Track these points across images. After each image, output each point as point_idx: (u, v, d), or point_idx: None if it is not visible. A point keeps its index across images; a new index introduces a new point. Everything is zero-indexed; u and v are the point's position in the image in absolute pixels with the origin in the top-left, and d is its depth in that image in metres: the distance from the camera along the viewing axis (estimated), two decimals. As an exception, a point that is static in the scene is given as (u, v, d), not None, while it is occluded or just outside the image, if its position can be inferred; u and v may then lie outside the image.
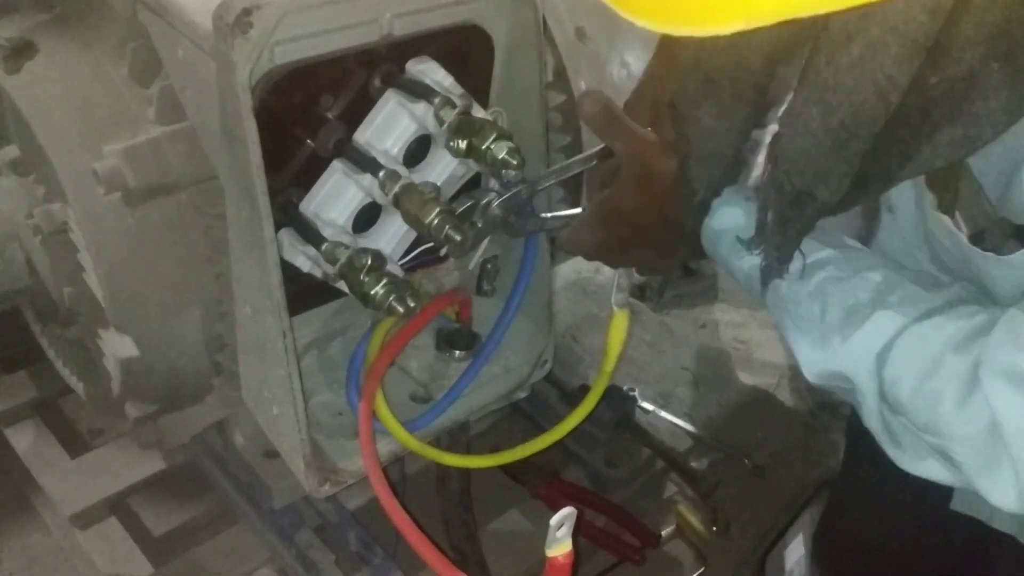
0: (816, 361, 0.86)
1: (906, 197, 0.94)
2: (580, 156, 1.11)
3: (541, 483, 1.61)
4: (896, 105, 0.72)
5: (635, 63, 1.56)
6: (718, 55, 0.87)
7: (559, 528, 0.85)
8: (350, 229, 1.06)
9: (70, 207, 1.16)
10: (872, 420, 0.83)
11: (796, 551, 1.80)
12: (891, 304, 0.82)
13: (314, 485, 1.07)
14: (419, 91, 1.02)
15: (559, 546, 0.86)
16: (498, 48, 1.11)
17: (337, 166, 1.04)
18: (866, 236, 1.06)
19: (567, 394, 1.71)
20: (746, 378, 2.20)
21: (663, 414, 1.89)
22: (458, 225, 0.98)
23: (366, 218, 1.09)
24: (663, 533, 1.67)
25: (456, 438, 1.30)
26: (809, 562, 1.55)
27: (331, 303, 1.21)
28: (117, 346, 1.22)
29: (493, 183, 1.13)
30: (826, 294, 0.86)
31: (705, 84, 0.90)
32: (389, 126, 1.04)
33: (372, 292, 0.98)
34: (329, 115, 1.04)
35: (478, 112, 1.05)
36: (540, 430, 1.66)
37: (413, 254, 1.15)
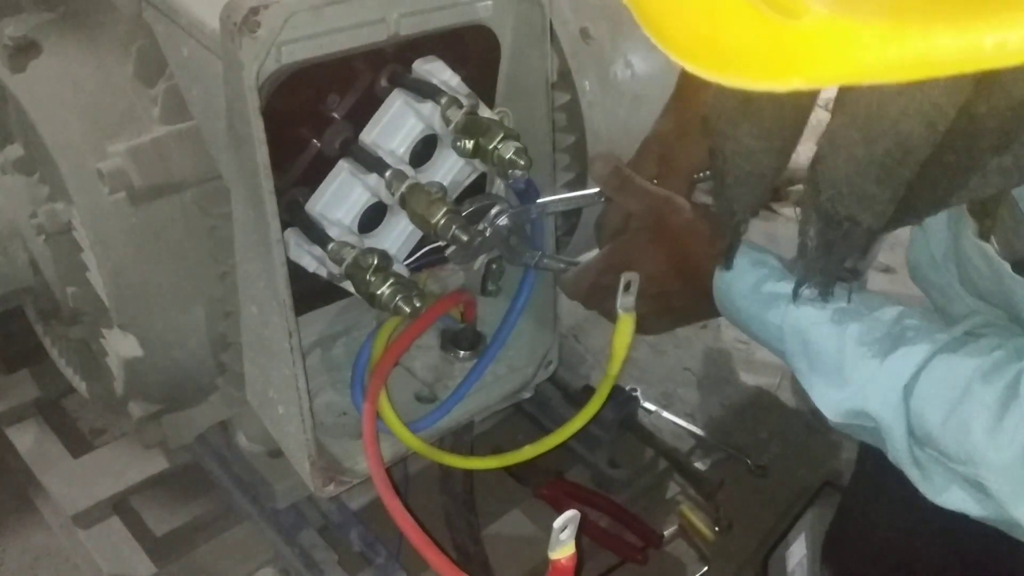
0: (839, 400, 0.86)
1: (938, 217, 0.93)
2: (591, 192, 1.13)
3: (544, 483, 1.61)
4: (942, 134, 0.72)
5: (639, 64, 1.56)
6: None
7: (563, 530, 0.85)
8: (356, 229, 1.06)
9: (74, 206, 1.15)
10: (900, 454, 0.83)
11: (798, 552, 1.80)
12: (912, 338, 0.82)
13: (319, 485, 1.07)
14: (426, 91, 1.02)
15: (562, 548, 0.86)
16: (504, 48, 1.11)
17: (343, 166, 1.03)
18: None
19: (570, 395, 1.71)
20: (748, 378, 2.20)
21: (666, 415, 1.89)
22: (465, 226, 0.98)
23: (371, 218, 1.09)
24: (665, 533, 1.67)
25: (460, 439, 1.30)
26: (819, 565, 1.55)
27: (335, 303, 1.21)
28: (121, 346, 1.21)
29: (501, 190, 1.13)
30: (846, 332, 0.86)
31: (744, 104, 0.89)
32: (395, 126, 1.04)
33: (378, 292, 0.98)
34: (335, 115, 1.04)
35: (484, 112, 1.04)
36: (543, 430, 1.66)
37: (418, 254, 1.15)
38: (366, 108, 1.04)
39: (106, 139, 1.14)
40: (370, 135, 1.04)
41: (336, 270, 1.01)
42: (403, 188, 1.00)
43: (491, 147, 1.00)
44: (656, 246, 1.05)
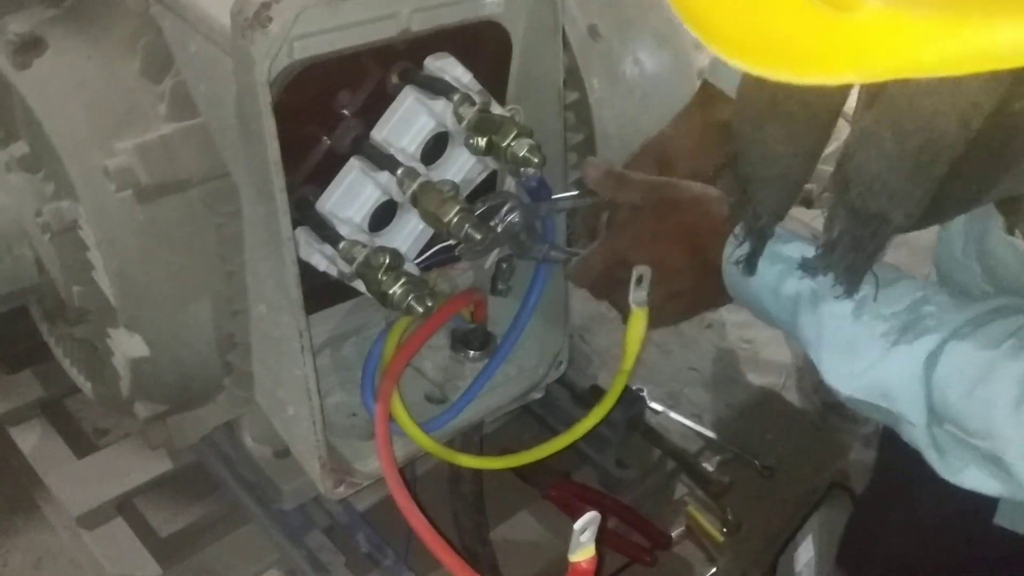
0: (854, 374, 0.84)
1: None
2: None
3: (551, 484, 1.60)
4: (976, 131, 0.71)
5: (648, 61, 1.55)
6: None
7: (583, 532, 0.84)
8: (366, 228, 1.04)
9: (80, 204, 1.14)
10: (917, 432, 0.81)
11: (806, 553, 1.79)
12: (934, 312, 0.81)
13: (329, 487, 1.06)
14: (438, 88, 1.01)
15: (582, 551, 0.85)
16: (516, 44, 1.10)
17: (354, 164, 1.02)
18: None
19: (577, 395, 1.70)
20: (753, 378, 2.19)
21: (672, 415, 1.88)
22: (478, 224, 0.97)
23: (381, 217, 1.07)
24: (673, 534, 1.66)
25: (469, 439, 1.29)
26: (832, 568, 1.53)
27: (344, 303, 1.20)
28: (127, 345, 1.20)
29: (512, 186, 1.12)
30: (864, 307, 0.85)
31: (772, 107, 0.88)
32: (407, 123, 1.02)
33: (390, 291, 0.97)
34: (346, 112, 1.02)
35: (496, 110, 1.03)
36: (550, 431, 1.66)
37: (428, 253, 1.14)
38: (377, 105, 1.03)
39: (112, 136, 1.13)
40: (381, 132, 1.03)
41: (347, 269, 0.99)
42: (415, 186, 0.98)
43: (504, 144, 0.99)
44: (661, 226, 1.04)
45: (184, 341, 1.22)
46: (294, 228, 0.98)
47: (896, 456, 1.38)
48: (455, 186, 1.02)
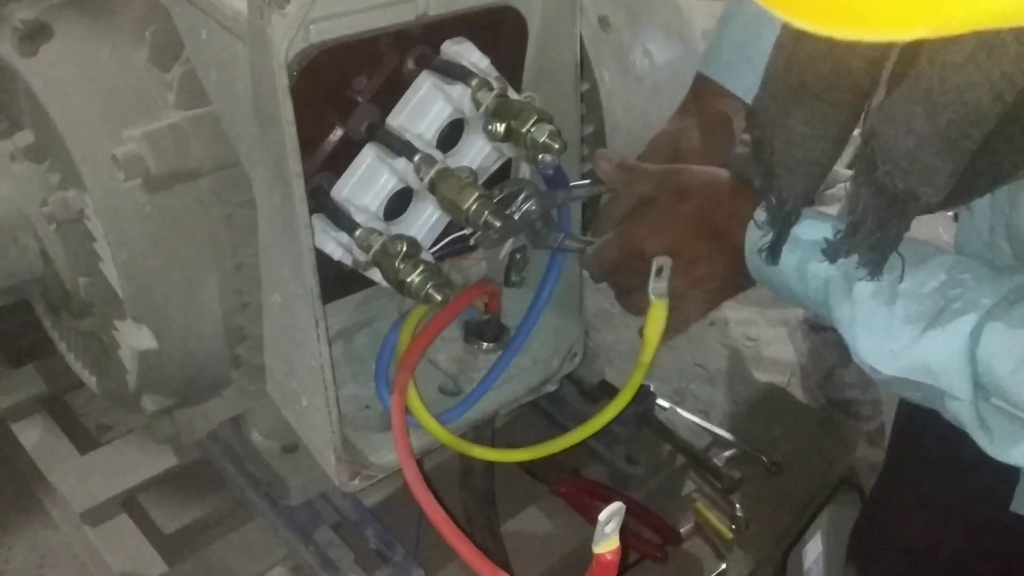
0: (894, 354, 0.83)
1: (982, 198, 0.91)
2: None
3: (561, 480, 1.58)
4: (1010, 104, 0.70)
5: (658, 52, 1.54)
6: (815, 61, 0.85)
7: (608, 523, 0.82)
8: (381, 215, 1.03)
9: (88, 194, 1.12)
10: (963, 408, 0.80)
11: (814, 549, 1.78)
12: (974, 284, 0.80)
13: (344, 480, 1.04)
14: (455, 73, 0.99)
15: (607, 542, 0.83)
16: (532, 31, 1.08)
17: (371, 150, 1.00)
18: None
19: (585, 390, 1.69)
20: (758, 375, 2.18)
21: (680, 411, 1.86)
22: (497, 211, 0.95)
23: (395, 205, 1.06)
24: (682, 531, 1.65)
25: (481, 433, 1.27)
26: (843, 563, 1.53)
27: (356, 294, 1.18)
28: (134, 338, 1.18)
29: (528, 173, 1.11)
30: (898, 287, 0.84)
31: (798, 91, 0.87)
32: (424, 109, 1.01)
33: (408, 279, 0.95)
34: (361, 97, 1.01)
35: (513, 96, 1.02)
36: (558, 427, 1.64)
37: (442, 243, 1.12)
38: (393, 91, 1.01)
39: (121, 125, 1.11)
40: (397, 119, 1.01)
41: (363, 257, 0.98)
42: (432, 173, 0.97)
43: (524, 130, 0.97)
44: (676, 212, 1.04)
45: (193, 333, 1.20)
46: (309, 216, 0.97)
47: (908, 450, 1.37)
48: (473, 173, 1.00)
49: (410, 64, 1.01)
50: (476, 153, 1.07)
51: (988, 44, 0.69)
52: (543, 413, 1.69)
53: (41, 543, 1.49)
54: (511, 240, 1.13)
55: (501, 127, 0.98)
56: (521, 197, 1.05)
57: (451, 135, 1.05)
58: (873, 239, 0.84)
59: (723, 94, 1.17)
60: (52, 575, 1.45)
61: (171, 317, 1.18)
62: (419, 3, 0.97)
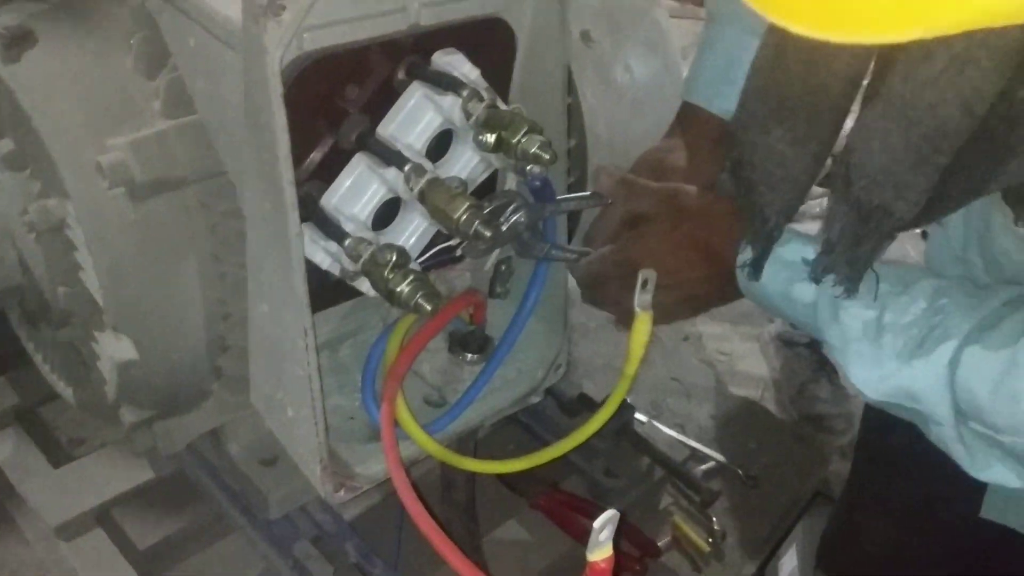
0: (879, 379, 0.84)
1: (955, 214, 0.93)
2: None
3: (540, 493, 1.58)
4: (980, 118, 0.71)
5: (639, 68, 1.55)
6: (793, 81, 0.86)
7: (602, 531, 0.82)
8: (370, 225, 1.02)
9: (70, 202, 1.11)
10: (945, 432, 0.81)
11: (789, 563, 1.79)
12: (952, 311, 0.81)
13: (330, 491, 1.03)
14: (446, 83, 0.99)
15: (600, 550, 0.83)
16: (520, 43, 1.09)
17: (361, 159, 1.00)
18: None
19: (564, 403, 1.69)
20: (732, 389, 2.20)
21: (658, 424, 1.87)
22: (488, 221, 0.95)
23: (381, 216, 1.06)
24: (659, 544, 1.65)
25: (464, 444, 1.27)
26: (812, 571, 1.54)
27: (342, 305, 1.17)
28: (114, 348, 1.17)
29: (515, 184, 1.11)
30: (884, 309, 0.85)
31: (777, 110, 0.89)
32: (414, 119, 1.01)
33: (397, 289, 0.94)
34: (352, 107, 1.00)
35: (502, 107, 1.02)
36: (537, 439, 1.64)
37: (428, 254, 1.12)
38: (383, 101, 1.01)
39: (105, 133, 1.10)
40: (388, 128, 1.01)
41: (351, 266, 0.97)
42: (423, 183, 0.97)
43: (515, 141, 0.97)
44: (674, 235, 1.05)
45: (174, 344, 1.19)
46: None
47: (874, 455, 1.39)
48: (463, 183, 1.00)
49: (401, 74, 1.01)
50: (464, 164, 1.07)
51: (960, 60, 0.70)
52: (521, 426, 1.69)
53: (12, 559, 1.47)
54: (497, 251, 1.13)
55: (491, 138, 0.98)
56: (510, 208, 1.05)
57: (439, 146, 1.05)
58: (849, 254, 0.85)
59: (708, 117, 1.18)
60: (24, 591, 1.43)
61: (152, 327, 1.17)
62: (411, 13, 0.97)
